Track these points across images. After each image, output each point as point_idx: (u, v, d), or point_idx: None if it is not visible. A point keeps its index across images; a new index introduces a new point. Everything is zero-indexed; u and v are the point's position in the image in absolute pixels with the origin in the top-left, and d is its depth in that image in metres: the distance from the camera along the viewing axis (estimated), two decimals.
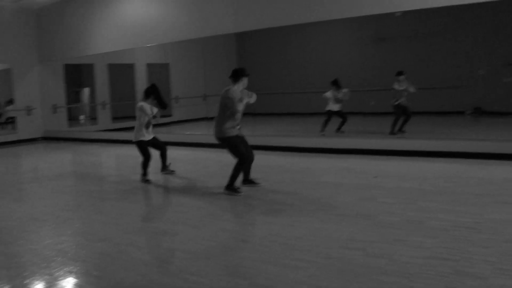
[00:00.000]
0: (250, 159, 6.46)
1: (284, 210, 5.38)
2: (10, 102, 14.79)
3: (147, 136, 7.57)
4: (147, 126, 7.53)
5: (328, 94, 11.15)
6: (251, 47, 16.77)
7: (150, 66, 15.64)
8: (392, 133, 10.37)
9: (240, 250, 4.23)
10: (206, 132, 12.21)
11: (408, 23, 13.27)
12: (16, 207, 6.23)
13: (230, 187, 6.23)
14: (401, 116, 10.46)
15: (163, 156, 7.92)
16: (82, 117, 19.15)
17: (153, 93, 7.52)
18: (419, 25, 13.13)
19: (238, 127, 6.29)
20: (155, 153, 7.65)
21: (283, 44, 16.18)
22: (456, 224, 4.52)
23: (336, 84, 11.14)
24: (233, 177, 6.22)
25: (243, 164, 6.21)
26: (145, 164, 7.53)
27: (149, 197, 6.74)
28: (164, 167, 8.00)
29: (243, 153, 6.14)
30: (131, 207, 5.97)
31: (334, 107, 11.15)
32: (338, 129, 11.20)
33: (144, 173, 7.53)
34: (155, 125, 7.73)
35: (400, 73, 10.48)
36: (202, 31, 10.76)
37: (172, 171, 8.04)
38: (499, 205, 5.13)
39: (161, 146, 7.84)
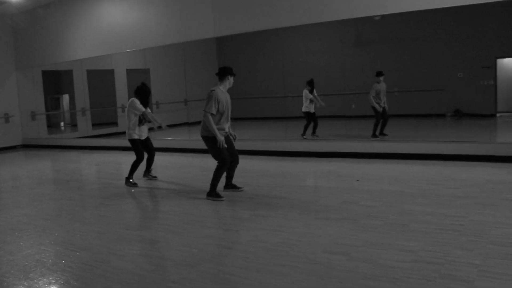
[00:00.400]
0: (234, 163, 6.42)
1: (267, 215, 5.34)
2: None
3: (140, 134, 7.46)
4: (139, 124, 7.41)
5: (305, 93, 11.22)
6: (232, 52, 16.75)
7: (130, 72, 15.50)
8: (373, 136, 10.42)
9: (223, 257, 4.18)
10: (187, 138, 12.15)
11: (388, 27, 13.39)
12: None
13: (212, 193, 6.20)
14: (381, 118, 10.52)
15: (150, 161, 7.83)
16: (62, 124, 18.94)
17: (140, 92, 7.40)
18: (399, 29, 13.25)
19: (226, 129, 6.24)
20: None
21: (264, 49, 16.21)
22: (440, 226, 4.53)
23: (310, 85, 11.22)
24: (214, 182, 6.19)
25: (223, 168, 6.16)
26: (136, 165, 7.45)
27: (131, 204, 6.64)
28: (147, 172, 7.92)
29: (224, 156, 6.09)
30: (112, 214, 5.87)
31: (310, 108, 11.22)
32: (313, 133, 11.27)
33: (130, 175, 7.45)
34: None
35: (380, 73, 10.53)
36: (182, 36, 10.70)
37: (154, 176, 7.96)
38: (482, 207, 5.16)
39: (151, 150, 7.75)
